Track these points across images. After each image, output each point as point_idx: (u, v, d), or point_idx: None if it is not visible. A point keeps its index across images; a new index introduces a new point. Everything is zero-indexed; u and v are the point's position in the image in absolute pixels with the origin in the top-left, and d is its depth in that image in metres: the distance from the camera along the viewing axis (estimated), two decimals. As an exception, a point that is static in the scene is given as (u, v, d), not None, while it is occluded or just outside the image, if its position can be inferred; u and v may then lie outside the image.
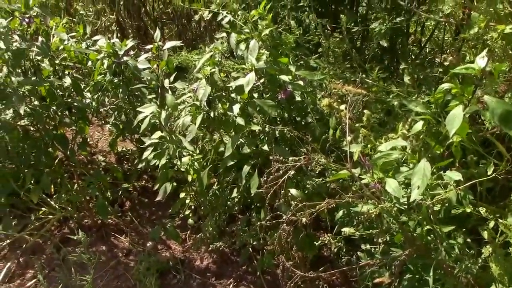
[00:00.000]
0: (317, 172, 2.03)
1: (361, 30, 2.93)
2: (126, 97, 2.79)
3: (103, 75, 2.87)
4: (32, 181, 2.77)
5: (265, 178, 1.79)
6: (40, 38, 2.47)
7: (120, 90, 2.76)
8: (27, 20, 2.47)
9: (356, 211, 1.95)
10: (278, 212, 2.03)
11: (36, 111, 2.47)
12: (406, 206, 1.68)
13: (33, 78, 2.50)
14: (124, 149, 3.62)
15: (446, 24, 3.06)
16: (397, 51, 3.13)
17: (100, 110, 3.10)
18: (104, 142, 3.86)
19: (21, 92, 2.39)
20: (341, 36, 2.99)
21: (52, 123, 2.65)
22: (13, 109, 2.41)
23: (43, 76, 2.62)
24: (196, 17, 3.65)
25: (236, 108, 2.09)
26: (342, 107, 1.95)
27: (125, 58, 2.71)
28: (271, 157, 2.02)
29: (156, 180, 3.34)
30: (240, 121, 2.08)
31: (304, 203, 1.66)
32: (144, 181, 3.42)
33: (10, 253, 2.94)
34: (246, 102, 2.11)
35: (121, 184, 3.25)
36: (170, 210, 3.03)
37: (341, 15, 2.56)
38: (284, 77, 2.09)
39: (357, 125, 1.99)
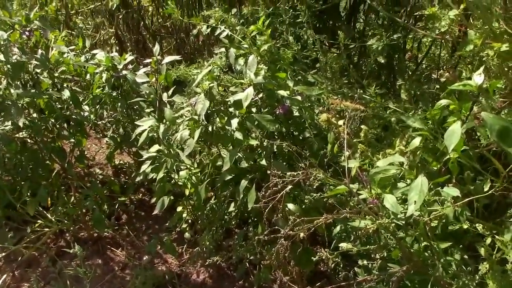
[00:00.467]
0: (314, 187, 2.03)
1: (359, 46, 2.95)
2: (124, 110, 2.80)
3: (101, 88, 2.88)
4: (28, 194, 2.77)
5: (263, 193, 1.80)
6: (39, 51, 2.48)
7: (119, 103, 2.77)
8: (27, 33, 2.48)
9: (353, 226, 1.95)
10: (276, 227, 2.05)
11: (35, 123, 2.48)
12: (403, 222, 1.69)
13: (32, 91, 2.50)
14: (121, 162, 3.62)
15: (443, 41, 3.09)
16: (394, 67, 3.16)
17: (98, 123, 3.10)
18: (101, 154, 3.86)
19: (20, 104, 2.39)
20: (338, 52, 3.02)
21: (50, 136, 2.65)
22: (12, 121, 2.41)
23: (42, 89, 2.62)
24: (195, 31, 3.68)
25: (235, 122, 2.10)
26: (340, 122, 1.97)
27: (124, 72, 2.72)
28: (268, 172, 2.04)
29: (153, 193, 3.38)
30: (238, 135, 2.09)
31: (302, 218, 1.66)
32: (141, 194, 3.41)
33: (5, 265, 2.92)
34: (244, 117, 2.12)
35: (117, 197, 3.24)
36: (167, 224, 3.02)
37: (338, 31, 2.59)
38: (282, 92, 2.10)
39: (354, 140, 2.00)
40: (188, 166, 2.49)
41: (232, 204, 2.37)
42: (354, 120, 2.27)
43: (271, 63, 2.36)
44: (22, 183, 2.85)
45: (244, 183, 2.14)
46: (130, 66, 2.83)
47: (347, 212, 1.70)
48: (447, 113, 1.71)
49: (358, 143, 1.96)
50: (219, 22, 3.15)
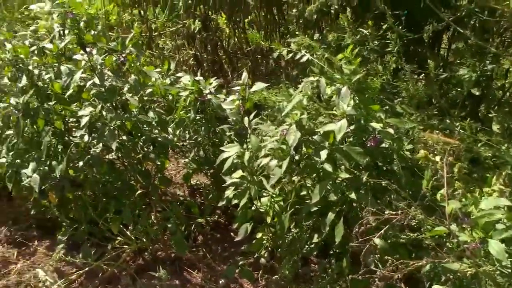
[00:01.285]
0: (404, 223, 1.96)
1: (446, 75, 2.85)
2: (207, 134, 2.84)
3: (185, 111, 2.94)
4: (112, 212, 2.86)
5: (357, 229, 1.75)
6: (132, 76, 2.57)
7: (202, 127, 2.81)
8: (122, 58, 2.57)
9: (447, 268, 1.87)
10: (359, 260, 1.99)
11: (125, 146, 2.56)
12: (509, 271, 1.59)
13: (123, 114, 2.59)
14: (197, 182, 3.67)
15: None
16: (483, 96, 3.03)
17: (179, 144, 3.16)
18: (178, 174, 3.93)
19: (112, 127, 2.48)
20: (424, 80, 2.94)
21: (137, 157, 2.73)
22: (102, 143, 2.50)
23: (130, 111, 2.71)
24: (275, 54, 3.70)
25: (324, 154, 2.07)
26: (437, 158, 1.90)
27: (208, 96, 2.77)
28: (354, 204, 2.00)
29: (228, 215, 3.40)
30: (327, 167, 2.06)
31: (401, 260, 1.60)
32: (216, 216, 3.43)
33: (86, 281, 3.01)
34: (334, 148, 2.09)
35: (194, 218, 3.28)
36: (243, 248, 3.02)
37: (425, 59, 2.53)
38: (375, 125, 2.06)
39: (448, 175, 1.92)
40: (271, 193, 2.48)
41: (316, 235, 2.33)
42: (449, 155, 2.18)
43: (358, 92, 2.32)
44: (104, 199, 2.97)
45: (331, 216, 2.10)
46: (213, 89, 2.88)
47: (447, 255, 1.63)
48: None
49: (455, 180, 1.88)
50: (301, 47, 3.17)
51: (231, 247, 3.20)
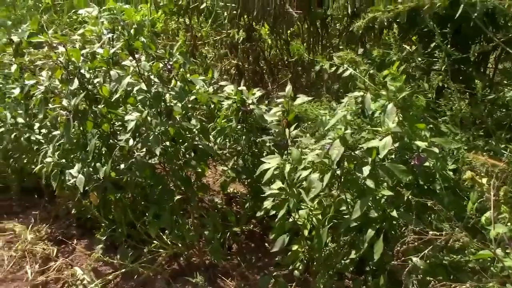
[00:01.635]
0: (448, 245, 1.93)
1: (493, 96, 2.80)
2: (247, 144, 2.87)
3: (226, 120, 2.98)
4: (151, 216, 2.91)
5: (398, 248, 1.74)
6: (178, 83, 2.62)
7: (243, 137, 2.84)
8: (169, 66, 2.63)
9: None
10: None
11: (168, 152, 2.61)
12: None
13: (167, 120, 2.64)
14: (234, 191, 3.70)
15: None
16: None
17: (219, 152, 3.20)
18: (212, 179, 3.97)
19: (156, 133, 2.53)
20: (469, 100, 2.89)
21: (178, 163, 2.77)
22: (146, 148, 2.55)
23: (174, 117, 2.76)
24: (316, 67, 3.71)
25: (366, 170, 2.06)
26: (484, 180, 1.87)
27: (251, 106, 2.80)
28: (394, 222, 1.98)
29: (264, 226, 3.41)
30: (369, 183, 2.05)
31: (443, 282, 1.58)
32: (252, 226, 3.45)
33: (122, 282, 3.07)
34: (377, 165, 2.08)
35: (230, 226, 3.30)
36: (277, 259, 3.03)
37: (471, 78, 2.49)
38: (420, 143, 2.04)
39: (494, 198, 1.88)
40: (309, 206, 2.48)
41: (353, 251, 2.31)
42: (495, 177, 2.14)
43: (403, 109, 2.30)
44: (142, 203, 3.03)
45: (371, 233, 2.09)
46: (255, 100, 2.91)
47: (492, 281, 1.60)
48: None
49: (501, 204, 1.85)
50: (344, 61, 3.16)
51: (265, 257, 3.20)
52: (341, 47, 3.70)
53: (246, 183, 3.36)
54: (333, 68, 3.15)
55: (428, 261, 2.09)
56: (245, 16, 4.39)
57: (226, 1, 4.45)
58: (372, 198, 2.12)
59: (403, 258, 1.76)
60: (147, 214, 3.01)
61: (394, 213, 2.05)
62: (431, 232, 1.63)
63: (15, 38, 3.93)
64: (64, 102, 2.51)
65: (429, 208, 2.16)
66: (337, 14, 4.16)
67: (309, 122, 3.02)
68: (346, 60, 3.05)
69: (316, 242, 2.34)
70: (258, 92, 2.85)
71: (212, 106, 3.17)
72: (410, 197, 2.06)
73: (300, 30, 4.63)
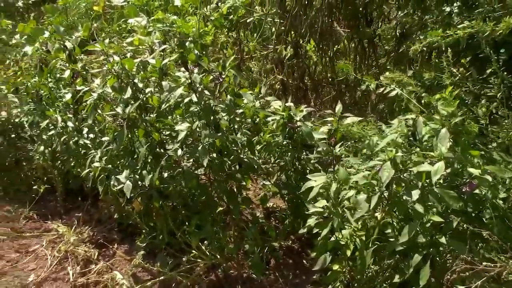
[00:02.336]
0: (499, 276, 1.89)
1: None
2: (292, 160, 2.88)
3: (271, 135, 3.00)
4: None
5: (448, 277, 1.71)
6: (228, 97, 2.66)
7: (289, 153, 2.85)
8: (221, 79, 2.67)
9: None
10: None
11: (214, 163, 2.64)
12: None
13: (213, 132, 2.68)
14: (273, 205, 3.70)
15: None
16: None
17: (262, 166, 3.21)
18: (253, 192, 3.98)
19: (204, 144, 2.57)
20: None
21: (224, 176, 2.80)
22: (193, 159, 2.59)
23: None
24: (363, 87, 3.69)
25: (416, 194, 2.04)
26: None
27: (298, 123, 2.81)
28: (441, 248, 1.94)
29: (303, 243, 3.39)
30: (419, 208, 2.03)
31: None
32: (290, 241, 3.44)
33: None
34: (427, 190, 2.05)
35: (269, 241, 3.30)
36: (315, 277, 3.01)
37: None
38: (474, 171, 2.01)
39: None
40: (353, 226, 2.46)
41: (397, 276, 2.28)
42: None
43: (455, 134, 2.27)
44: (183, 212, 3.06)
45: (417, 258, 2.06)
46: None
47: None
48: None
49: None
50: (390, 82, 3.15)
51: (303, 274, 3.18)
52: (388, 67, 3.67)
53: (286, 198, 3.36)
54: (381, 89, 3.15)
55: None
56: (292, 33, 4.42)
57: (274, 17, 4.50)
58: (420, 223, 2.09)
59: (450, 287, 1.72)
60: (187, 223, 3.06)
61: (443, 240, 2.01)
62: (484, 263, 1.60)
63: (68, 45, 4.06)
64: (119, 110, 2.57)
65: (477, 236, 2.13)
66: (385, 34, 4.15)
67: (353, 141, 3.01)
68: (396, 81, 3.05)
69: (359, 264, 2.32)
70: (305, 109, 2.86)
71: (257, 120, 3.19)
72: (462, 224, 2.03)
73: (346, 48, 4.63)
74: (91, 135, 3.60)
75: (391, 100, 3.21)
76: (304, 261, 3.29)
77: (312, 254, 2.59)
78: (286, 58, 4.20)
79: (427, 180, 2.04)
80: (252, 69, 4.58)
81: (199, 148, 2.50)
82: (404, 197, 2.12)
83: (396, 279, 2.29)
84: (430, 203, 2.10)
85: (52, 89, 4.12)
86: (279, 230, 3.43)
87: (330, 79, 4.89)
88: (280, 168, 3.13)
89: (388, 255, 2.28)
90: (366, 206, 2.18)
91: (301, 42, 4.46)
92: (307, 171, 3.03)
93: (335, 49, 4.58)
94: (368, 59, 4.33)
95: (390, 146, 2.17)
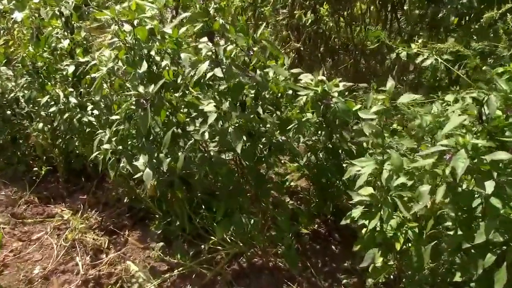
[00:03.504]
0: None
1: None
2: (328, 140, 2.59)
3: (299, 111, 2.70)
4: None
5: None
6: (258, 71, 2.34)
7: (323, 132, 2.57)
8: (251, 52, 2.35)
9: None
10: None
11: (246, 148, 2.34)
12: None
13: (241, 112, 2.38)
14: (296, 185, 3.43)
15: None
16: None
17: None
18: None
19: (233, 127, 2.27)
20: None
21: (255, 160, 2.51)
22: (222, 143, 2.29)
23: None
24: (392, 55, 3.38)
25: (490, 185, 1.76)
26: None
27: (334, 99, 2.52)
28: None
29: (330, 227, 3.16)
30: (495, 202, 1.76)
31: None
32: (316, 225, 3.19)
33: (179, 280, 2.86)
34: (503, 181, 1.79)
35: (294, 226, 3.04)
36: (346, 264, 2.80)
37: None
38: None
39: None
40: (401, 216, 2.21)
41: (459, 274, 2.03)
42: None
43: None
44: (199, 195, 2.80)
45: (491, 258, 1.81)
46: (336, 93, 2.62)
47: None
48: None
49: None
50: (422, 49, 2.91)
51: (333, 261, 2.96)
52: (421, 33, 3.36)
53: (312, 179, 3.09)
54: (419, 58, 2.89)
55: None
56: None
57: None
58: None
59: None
60: (203, 206, 2.79)
61: (523, 239, 1.76)
62: None
63: (65, 11, 3.65)
64: (141, 89, 2.23)
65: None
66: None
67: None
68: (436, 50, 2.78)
69: (415, 261, 2.07)
70: (341, 84, 2.56)
71: (279, 95, 2.87)
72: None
73: (364, 12, 4.29)
74: (96, 112, 3.28)
75: (433, 71, 2.91)
76: (333, 247, 3.06)
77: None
78: (303, 24, 3.84)
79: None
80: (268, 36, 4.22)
81: (231, 131, 2.19)
82: (474, 189, 1.85)
83: (457, 277, 2.05)
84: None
85: (48, 59, 3.73)
86: (302, 213, 3.17)
87: (346, 47, 4.57)
88: (308, 147, 2.84)
89: (449, 252, 2.03)
90: (427, 198, 1.91)
91: (317, 7, 4.11)
92: (339, 151, 2.77)
93: (353, 13, 4.24)
94: (392, 25, 3.99)
95: (458, 130, 1.88)
